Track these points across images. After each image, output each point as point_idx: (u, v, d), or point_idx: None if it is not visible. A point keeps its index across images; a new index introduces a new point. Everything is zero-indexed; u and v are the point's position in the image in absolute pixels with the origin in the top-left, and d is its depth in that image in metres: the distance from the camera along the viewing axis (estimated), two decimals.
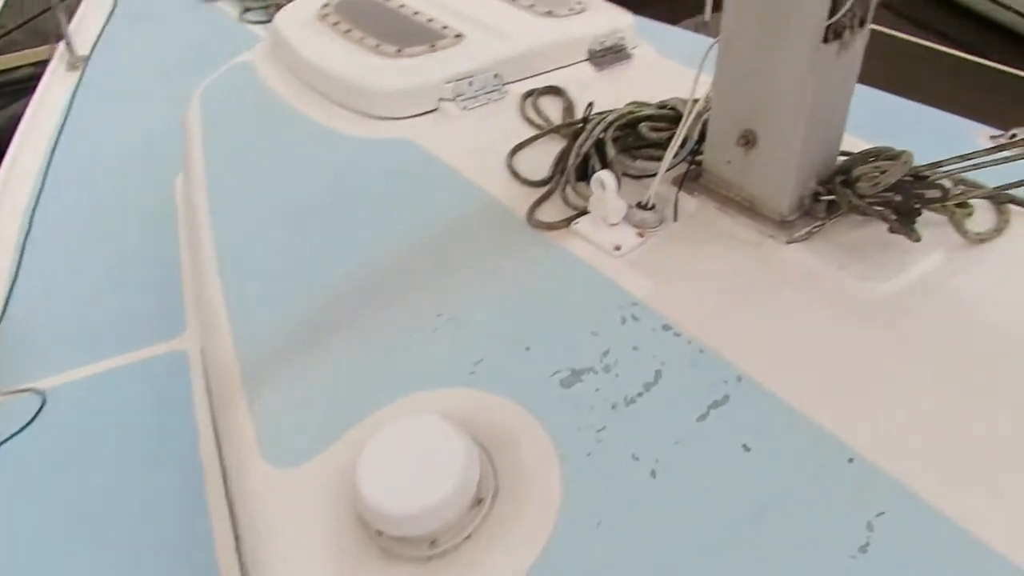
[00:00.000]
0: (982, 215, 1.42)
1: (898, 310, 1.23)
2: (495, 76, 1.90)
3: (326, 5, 2.22)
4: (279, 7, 3.17)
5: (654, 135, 1.57)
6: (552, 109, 1.85)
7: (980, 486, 0.96)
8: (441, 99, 1.85)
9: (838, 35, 1.22)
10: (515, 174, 1.62)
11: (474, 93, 1.87)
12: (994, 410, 1.06)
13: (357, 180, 1.71)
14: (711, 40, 1.41)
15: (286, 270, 1.54)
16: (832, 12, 1.18)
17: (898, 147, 1.45)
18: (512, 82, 1.94)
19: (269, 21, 3.24)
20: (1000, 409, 1.06)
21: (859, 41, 1.27)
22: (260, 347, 1.38)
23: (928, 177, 1.28)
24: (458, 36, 1.98)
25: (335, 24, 2.11)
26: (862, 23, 1.25)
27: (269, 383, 1.29)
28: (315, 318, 1.41)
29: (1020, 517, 0.93)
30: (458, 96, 1.85)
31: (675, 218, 1.45)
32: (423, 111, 1.85)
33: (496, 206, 1.55)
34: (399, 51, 1.93)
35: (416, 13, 2.11)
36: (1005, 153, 1.20)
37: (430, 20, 2.06)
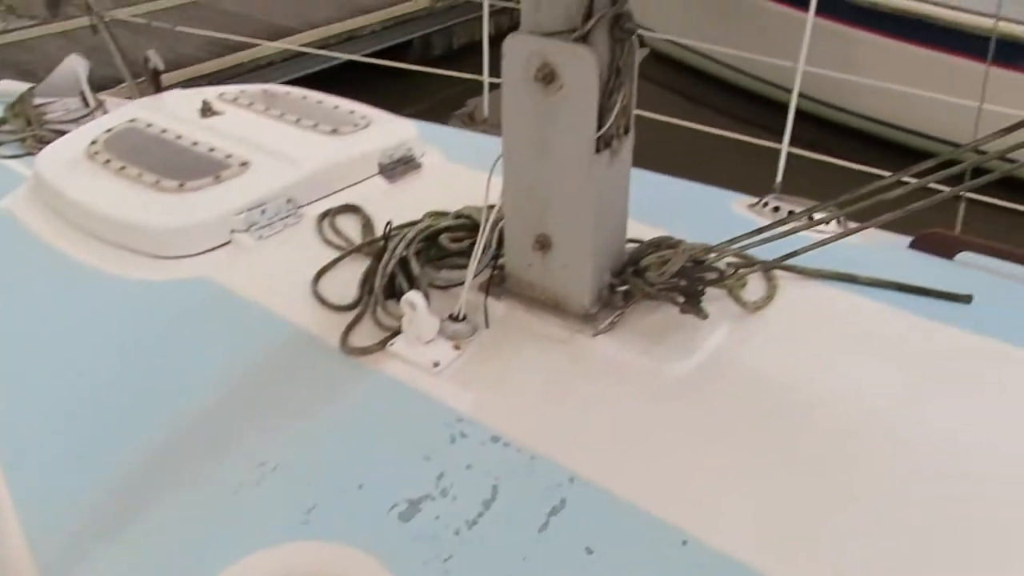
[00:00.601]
0: (755, 284, 1.59)
1: (699, 387, 1.33)
2: (288, 201, 1.88)
3: (94, 142, 2.10)
4: (39, 140, 2.96)
5: (455, 246, 1.61)
6: (351, 227, 1.85)
7: (803, 550, 1.05)
8: (233, 231, 1.80)
9: (608, 144, 1.33)
10: (322, 300, 1.60)
11: (268, 221, 1.83)
12: (802, 476, 1.16)
13: (151, 327, 1.61)
14: (493, 138, 1.49)
15: (81, 439, 1.40)
16: (600, 126, 1.29)
17: (671, 221, 1.59)
18: (306, 205, 1.92)
19: (28, 155, 3.00)
20: (807, 474, 1.17)
21: (627, 146, 1.39)
22: (59, 534, 1.24)
23: (705, 261, 1.41)
24: (244, 164, 1.94)
25: (107, 162, 2.00)
26: (627, 131, 1.37)
27: None
28: (122, 488, 1.29)
29: None
30: (251, 226, 1.80)
31: (487, 325, 1.49)
32: (215, 245, 1.78)
33: (306, 337, 1.51)
34: (181, 185, 1.86)
35: (196, 144, 2.05)
36: (765, 234, 1.35)
37: (212, 150, 2.01)
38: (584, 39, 1.24)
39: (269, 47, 7.14)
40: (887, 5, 5.95)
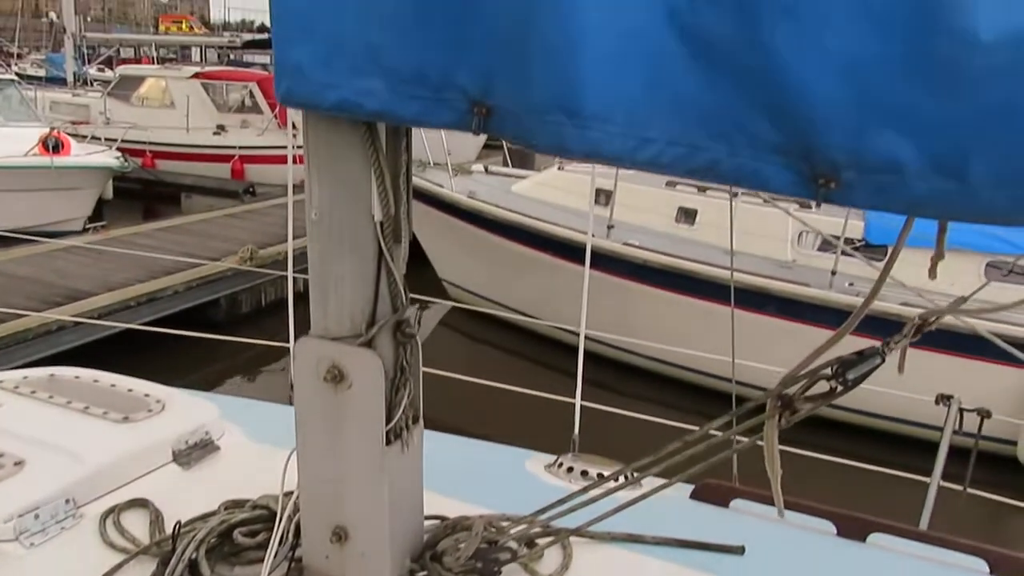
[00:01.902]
0: (550, 551, 1.66)
1: None
2: (67, 501, 1.76)
3: None
4: None
5: (251, 540, 1.57)
6: (138, 525, 1.75)
7: None
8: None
9: (398, 435, 1.41)
10: None
11: (42, 526, 1.70)
12: None
13: None
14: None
15: None
16: (388, 420, 1.37)
17: (468, 489, 1.64)
18: (89, 503, 1.81)
19: None
20: None
21: (416, 434, 1.47)
22: None
23: (499, 541, 1.48)
24: (18, 463, 1.82)
25: None
26: (415, 420, 1.46)
27: None
28: None
29: None
30: (21, 534, 1.66)
31: None
32: None
33: None
34: None
35: None
36: (558, 508, 1.45)
37: None
38: (369, 344, 1.35)
39: (60, 311, 6.87)
40: (656, 262, 6.82)
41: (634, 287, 6.89)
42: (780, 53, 0.91)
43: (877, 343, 1.19)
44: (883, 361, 1.14)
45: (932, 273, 1.19)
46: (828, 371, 1.17)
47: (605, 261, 6.70)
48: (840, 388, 1.16)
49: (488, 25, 1.03)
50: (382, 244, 1.33)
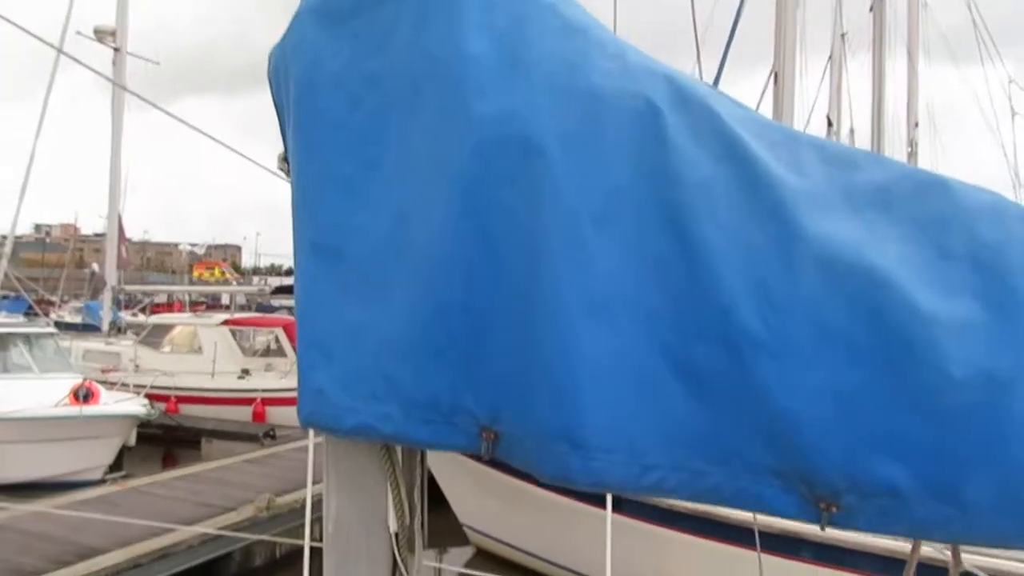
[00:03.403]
0: None
1: None
2: None
3: None
4: None
5: None
6: None
7: None
8: None
9: None
10: None
11: None
12: None
13: None
14: None
15: None
16: None
17: None
18: None
19: None
20: None
21: None
22: None
23: None
24: None
25: None
26: None
27: None
28: None
29: None
30: None
31: None
32: None
33: None
34: None
35: None
36: None
37: None
38: None
39: (69, 572, 6.67)
40: (682, 506, 6.61)
41: (660, 532, 6.64)
42: (766, 385, 0.98)
43: None
44: None
45: None
46: None
47: (629, 506, 6.50)
48: None
49: (495, 359, 1.11)
50: (396, 554, 1.34)
